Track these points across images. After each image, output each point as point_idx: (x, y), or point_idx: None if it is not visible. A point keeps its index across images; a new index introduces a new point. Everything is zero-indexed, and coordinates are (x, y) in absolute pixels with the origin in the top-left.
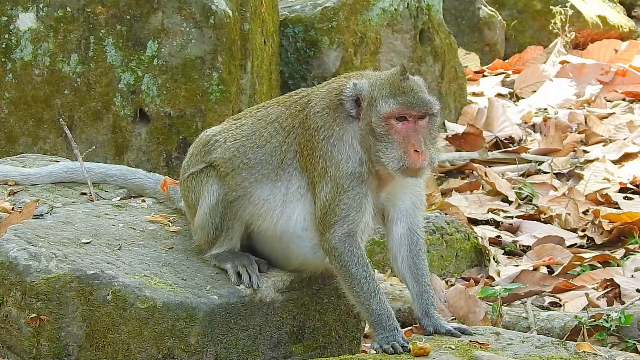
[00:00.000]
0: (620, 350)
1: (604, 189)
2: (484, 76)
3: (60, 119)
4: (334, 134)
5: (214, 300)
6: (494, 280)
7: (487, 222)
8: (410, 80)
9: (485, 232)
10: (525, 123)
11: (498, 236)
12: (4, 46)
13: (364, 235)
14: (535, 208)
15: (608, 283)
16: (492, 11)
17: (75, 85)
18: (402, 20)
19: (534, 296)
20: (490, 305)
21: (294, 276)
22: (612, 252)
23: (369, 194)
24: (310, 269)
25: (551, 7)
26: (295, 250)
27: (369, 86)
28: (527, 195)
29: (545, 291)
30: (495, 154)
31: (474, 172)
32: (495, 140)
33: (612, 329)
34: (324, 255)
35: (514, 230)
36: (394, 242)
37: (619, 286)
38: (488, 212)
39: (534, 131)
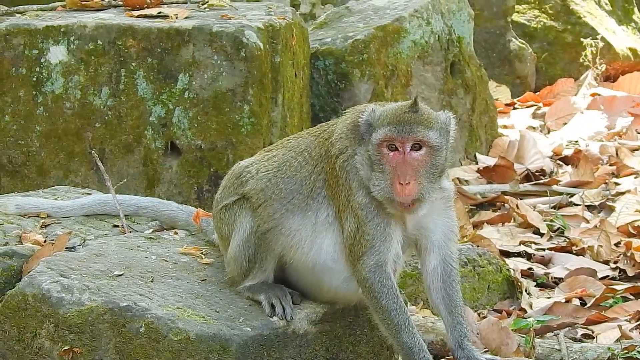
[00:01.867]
0: None
1: (636, 221)
2: (514, 109)
3: (92, 152)
4: (349, 157)
5: (247, 332)
6: (526, 312)
7: (518, 255)
8: (416, 112)
9: (517, 264)
10: (557, 155)
11: (530, 268)
12: (35, 79)
13: (396, 265)
14: (567, 240)
15: None
16: (522, 44)
17: (106, 118)
18: (433, 52)
19: (567, 328)
20: (523, 337)
21: (327, 308)
22: None
23: (393, 223)
24: (342, 301)
25: (582, 39)
26: (328, 282)
27: (379, 114)
28: (558, 228)
29: (577, 323)
30: (527, 187)
31: (506, 205)
32: (526, 172)
33: None
34: (357, 287)
35: (545, 262)
36: (428, 273)
37: None
38: (520, 244)
39: (565, 163)
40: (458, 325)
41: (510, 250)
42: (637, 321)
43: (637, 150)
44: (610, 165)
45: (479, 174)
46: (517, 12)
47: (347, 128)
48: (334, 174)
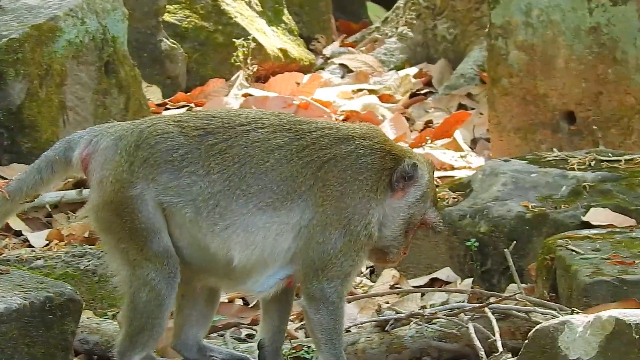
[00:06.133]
0: None
1: None
2: (166, 109)
3: None
4: (370, 193)
5: None
6: None
7: None
8: None
9: None
10: None
11: None
12: None
13: None
14: None
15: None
16: (173, 44)
17: None
18: (88, 52)
19: (232, 328)
20: None
21: (2, 309)
22: None
23: None
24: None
25: (234, 39)
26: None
27: (427, 179)
28: None
29: (242, 323)
30: None
31: None
32: None
33: None
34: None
35: None
36: None
37: None
38: None
39: None
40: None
41: None
42: (301, 321)
43: None
44: None
45: None
46: (169, 12)
47: (369, 159)
48: (337, 186)
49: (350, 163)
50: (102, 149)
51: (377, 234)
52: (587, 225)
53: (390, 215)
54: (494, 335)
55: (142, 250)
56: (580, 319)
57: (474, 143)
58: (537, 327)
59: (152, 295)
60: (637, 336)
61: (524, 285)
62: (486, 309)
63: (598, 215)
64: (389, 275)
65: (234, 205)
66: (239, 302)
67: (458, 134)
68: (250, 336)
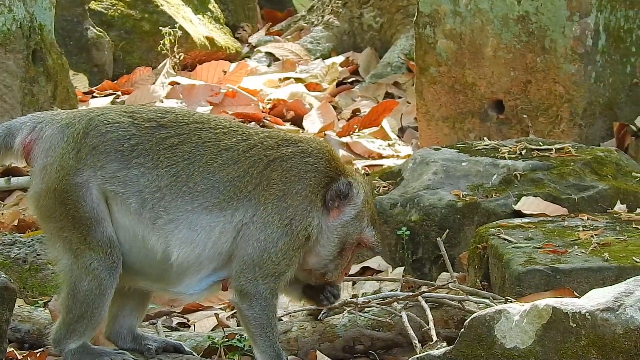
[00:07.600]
0: None
1: None
2: (93, 97)
3: None
4: (312, 195)
5: None
6: None
7: None
8: None
9: None
10: None
11: None
12: None
13: None
14: None
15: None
16: (100, 32)
17: None
18: (15, 40)
19: (164, 317)
20: None
21: None
22: None
23: None
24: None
25: (160, 27)
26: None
27: (364, 198)
28: None
29: (174, 312)
30: None
31: None
32: None
33: (245, 349)
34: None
35: None
36: None
37: None
38: None
39: None
40: None
41: None
42: (232, 310)
43: None
44: None
45: None
46: (95, 0)
47: (313, 168)
48: (281, 187)
49: (296, 163)
50: (47, 136)
51: (314, 237)
52: (519, 214)
53: (325, 234)
54: (427, 324)
55: (86, 239)
56: (516, 308)
57: (401, 132)
58: (473, 315)
59: (94, 284)
60: (574, 325)
61: (455, 274)
62: (419, 298)
63: (529, 204)
64: None
65: (180, 202)
66: None
67: (386, 123)
68: (181, 324)
